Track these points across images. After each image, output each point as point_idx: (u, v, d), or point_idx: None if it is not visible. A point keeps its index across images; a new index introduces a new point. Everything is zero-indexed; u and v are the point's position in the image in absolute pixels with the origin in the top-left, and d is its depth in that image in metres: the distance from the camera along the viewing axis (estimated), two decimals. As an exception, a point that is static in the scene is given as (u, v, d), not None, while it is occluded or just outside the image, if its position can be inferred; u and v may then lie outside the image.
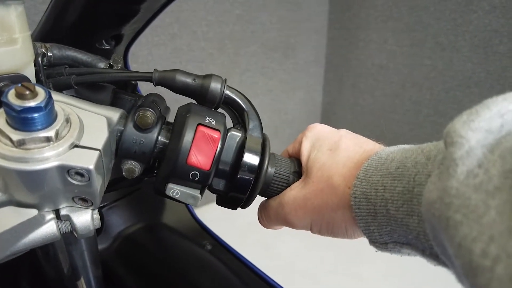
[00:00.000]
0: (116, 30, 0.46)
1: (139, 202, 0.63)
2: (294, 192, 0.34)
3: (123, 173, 0.33)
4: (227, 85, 0.35)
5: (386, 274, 1.30)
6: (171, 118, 0.37)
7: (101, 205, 0.59)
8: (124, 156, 0.32)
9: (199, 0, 1.40)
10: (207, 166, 0.32)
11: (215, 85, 0.34)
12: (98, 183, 0.28)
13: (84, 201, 0.29)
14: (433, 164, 0.23)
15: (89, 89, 0.42)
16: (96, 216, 0.30)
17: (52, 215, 0.28)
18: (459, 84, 1.49)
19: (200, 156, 0.31)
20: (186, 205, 0.65)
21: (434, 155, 0.24)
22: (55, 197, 0.27)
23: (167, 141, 0.33)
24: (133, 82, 0.38)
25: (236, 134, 0.34)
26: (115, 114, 0.32)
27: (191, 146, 0.31)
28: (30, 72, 0.32)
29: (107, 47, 0.48)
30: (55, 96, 0.30)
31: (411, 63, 1.62)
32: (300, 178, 0.35)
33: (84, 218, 0.29)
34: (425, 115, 1.63)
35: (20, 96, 0.24)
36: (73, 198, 0.28)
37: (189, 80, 0.34)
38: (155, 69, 0.34)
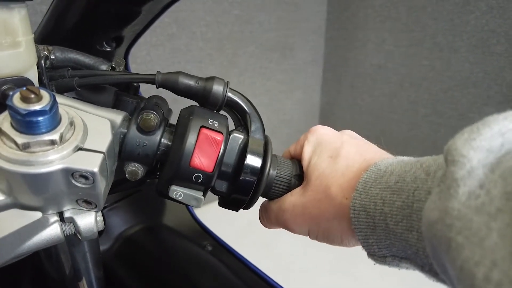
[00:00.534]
0: (117, 32, 0.46)
1: (139, 203, 0.63)
2: (294, 199, 0.34)
3: (126, 175, 0.33)
4: (229, 88, 0.35)
5: (385, 274, 1.30)
6: (173, 119, 0.37)
7: (102, 206, 0.59)
8: (127, 159, 0.33)
9: (198, 0, 1.40)
10: (210, 168, 0.32)
11: (217, 88, 0.34)
12: (102, 186, 0.28)
13: (88, 203, 0.29)
14: (432, 180, 0.23)
15: (90, 91, 0.42)
16: (100, 218, 0.30)
17: (56, 218, 0.29)
18: (457, 84, 1.50)
19: (203, 158, 0.31)
20: (187, 206, 0.65)
21: (433, 170, 0.24)
22: (59, 199, 0.28)
23: (170, 144, 0.33)
24: (135, 84, 0.38)
25: (239, 136, 0.35)
26: (118, 117, 0.32)
27: (194, 148, 0.31)
28: (33, 75, 0.32)
29: (108, 49, 0.48)
30: (59, 99, 0.30)
31: (409, 63, 1.63)
32: (301, 181, 0.35)
33: (88, 220, 0.29)
34: (423, 115, 1.64)
35: (25, 99, 0.24)
36: (77, 201, 0.28)
37: (191, 82, 0.34)
38: (158, 71, 0.34)
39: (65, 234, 0.29)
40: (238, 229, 1.48)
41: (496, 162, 0.19)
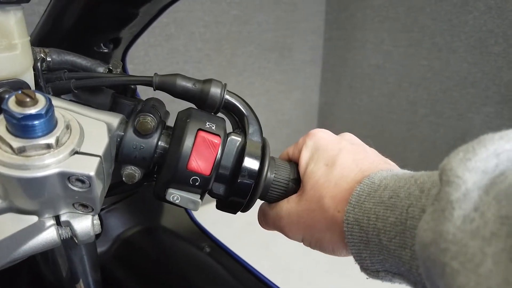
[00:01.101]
0: (115, 33, 0.46)
1: (137, 205, 0.63)
2: (290, 207, 0.34)
3: (123, 179, 0.33)
4: (227, 90, 0.35)
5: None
6: (171, 120, 0.37)
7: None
8: (124, 162, 0.32)
9: (196, 0, 1.40)
10: (207, 171, 0.32)
11: (215, 90, 0.34)
12: (99, 189, 0.28)
13: (85, 207, 0.29)
14: (427, 198, 0.23)
15: (88, 93, 0.42)
16: (97, 221, 0.30)
17: (52, 221, 0.28)
18: (455, 84, 1.50)
19: (200, 161, 0.31)
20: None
21: (428, 188, 0.24)
22: (56, 203, 0.27)
23: (167, 146, 0.33)
24: (132, 86, 0.38)
25: (236, 139, 0.34)
26: (115, 120, 0.32)
27: (191, 151, 0.31)
28: (29, 78, 0.32)
29: (105, 50, 0.48)
30: (55, 102, 0.30)
31: (408, 63, 1.63)
32: (298, 185, 0.35)
33: (85, 224, 0.29)
34: (422, 115, 1.64)
35: (20, 103, 0.24)
36: (73, 204, 0.28)
37: (189, 85, 0.34)
38: (155, 74, 0.34)
39: (62, 238, 0.29)
40: (236, 231, 1.48)
41: (490, 183, 0.19)
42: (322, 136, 0.36)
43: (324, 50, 1.97)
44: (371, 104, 1.83)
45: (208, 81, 0.34)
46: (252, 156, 0.34)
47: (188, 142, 0.31)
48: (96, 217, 0.30)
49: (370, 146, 0.36)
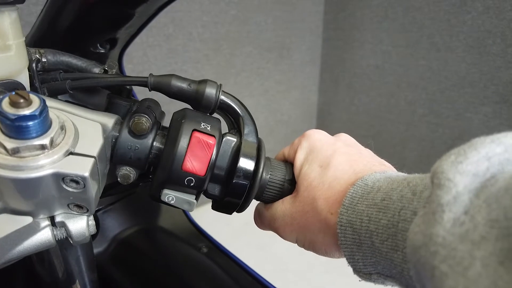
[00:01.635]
0: (111, 34, 0.46)
1: (134, 205, 0.63)
2: (284, 209, 0.34)
3: (118, 179, 0.33)
4: (222, 90, 0.35)
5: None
6: (166, 121, 0.37)
7: (97, 209, 0.59)
8: (119, 162, 0.32)
9: (195, 0, 1.40)
10: (202, 172, 0.32)
11: (210, 91, 0.34)
12: (94, 190, 0.28)
13: (80, 207, 0.29)
14: (418, 201, 0.23)
15: (84, 93, 0.42)
16: (92, 222, 0.30)
17: (47, 222, 0.28)
18: (453, 84, 1.50)
19: (195, 162, 0.31)
20: (182, 207, 0.65)
21: (420, 190, 0.24)
22: (50, 204, 0.27)
23: (162, 147, 0.33)
24: (127, 87, 0.38)
25: (231, 139, 0.34)
26: (110, 120, 0.32)
27: (186, 152, 0.31)
28: (24, 78, 0.32)
29: (102, 51, 0.48)
30: (50, 102, 0.30)
31: (406, 63, 1.63)
32: (293, 186, 0.35)
33: (80, 225, 0.29)
34: (420, 115, 1.64)
35: (14, 104, 0.24)
36: (68, 205, 0.28)
37: (184, 85, 0.34)
38: (150, 74, 0.34)
39: (57, 239, 0.29)
40: (233, 231, 1.48)
41: (481, 186, 0.19)
42: (317, 137, 0.36)
43: (322, 50, 1.97)
44: (370, 104, 1.84)
45: (203, 82, 0.34)
46: (247, 156, 0.34)
47: (183, 142, 0.31)
48: (91, 217, 0.30)
49: (371, 146, 0.36)
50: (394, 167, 0.33)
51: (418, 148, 1.67)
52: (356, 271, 0.28)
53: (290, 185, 0.36)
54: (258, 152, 0.35)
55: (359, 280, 0.29)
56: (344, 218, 0.28)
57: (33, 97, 0.25)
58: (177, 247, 0.61)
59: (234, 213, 0.38)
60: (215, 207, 0.38)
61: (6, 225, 0.27)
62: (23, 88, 0.32)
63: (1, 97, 0.24)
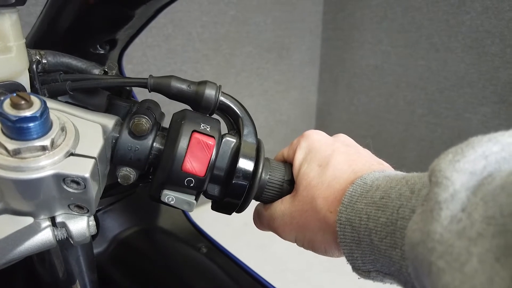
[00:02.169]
0: (111, 35, 0.46)
1: (134, 205, 0.63)
2: (283, 208, 0.35)
3: (119, 180, 0.33)
4: (222, 92, 0.35)
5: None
6: (166, 122, 0.37)
7: (96, 209, 0.59)
8: (119, 163, 0.33)
9: (194, 1, 1.40)
10: (202, 172, 0.32)
11: (209, 92, 0.34)
12: (94, 191, 0.28)
13: (80, 208, 0.29)
14: (417, 199, 0.23)
15: (85, 94, 0.42)
16: (92, 222, 0.30)
17: (48, 223, 0.29)
18: (452, 84, 1.51)
19: (195, 163, 0.32)
20: (182, 208, 0.65)
21: (418, 188, 0.24)
22: (51, 204, 0.28)
23: (162, 148, 0.33)
24: (127, 88, 0.38)
25: (231, 140, 0.35)
26: (110, 121, 0.32)
27: (186, 153, 0.31)
28: (25, 80, 0.32)
29: (102, 52, 0.48)
30: (50, 104, 0.30)
31: (406, 64, 1.63)
32: (292, 186, 0.35)
33: (80, 225, 0.29)
34: (419, 115, 1.65)
35: (15, 106, 0.24)
36: (69, 206, 0.28)
37: (184, 86, 0.34)
38: (150, 75, 0.34)
39: (57, 239, 0.29)
40: (233, 231, 1.48)
41: (478, 184, 0.19)
42: (316, 137, 0.36)
43: (322, 50, 1.97)
44: (369, 104, 1.84)
45: (203, 83, 0.34)
46: (246, 157, 0.34)
47: (182, 143, 0.31)
48: (92, 218, 0.30)
49: (369, 145, 0.37)
50: (393, 167, 0.33)
51: (417, 148, 1.68)
52: (355, 269, 0.28)
53: (289, 185, 0.36)
54: (258, 153, 0.35)
55: (358, 278, 0.29)
56: (343, 216, 0.28)
57: (34, 98, 0.25)
58: (177, 248, 0.61)
59: (234, 213, 0.38)
60: (214, 208, 0.38)
61: (7, 226, 0.27)
62: (24, 89, 0.32)
63: (2, 98, 0.24)
